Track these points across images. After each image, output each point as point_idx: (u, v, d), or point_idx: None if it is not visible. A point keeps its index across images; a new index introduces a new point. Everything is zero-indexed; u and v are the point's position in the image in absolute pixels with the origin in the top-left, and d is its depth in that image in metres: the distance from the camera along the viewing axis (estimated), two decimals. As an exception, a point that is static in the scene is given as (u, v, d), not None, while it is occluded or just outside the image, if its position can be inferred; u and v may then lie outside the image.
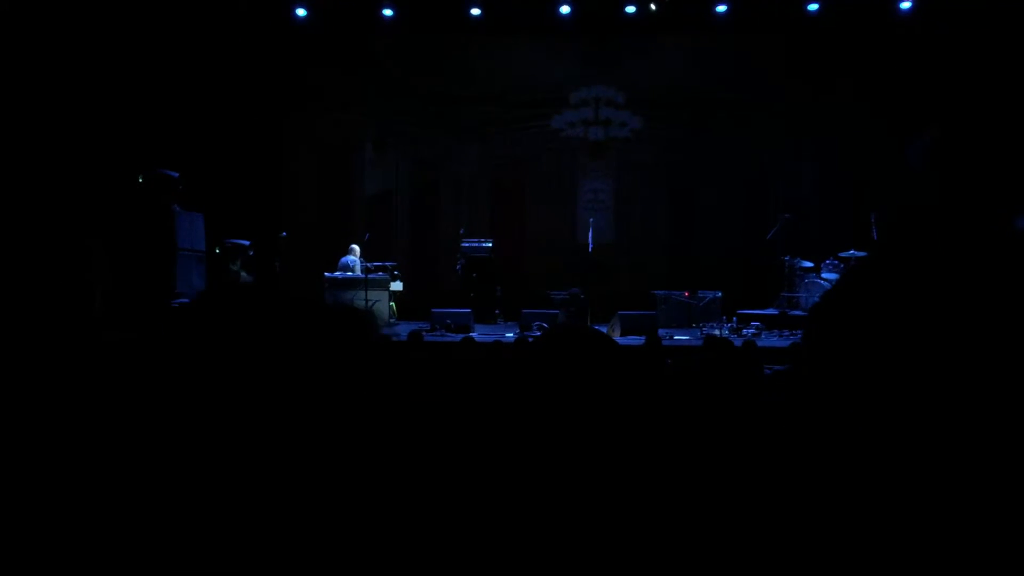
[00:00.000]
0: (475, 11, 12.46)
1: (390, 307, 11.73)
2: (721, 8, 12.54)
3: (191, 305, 0.95)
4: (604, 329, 9.85)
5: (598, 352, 1.32)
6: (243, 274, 11.45)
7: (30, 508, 1.02)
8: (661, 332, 9.65)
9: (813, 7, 12.46)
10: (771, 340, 9.65)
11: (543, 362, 1.33)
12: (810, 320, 0.91)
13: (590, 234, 12.01)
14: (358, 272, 11.67)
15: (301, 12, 12.50)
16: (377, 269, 11.73)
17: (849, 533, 0.81)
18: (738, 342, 7.11)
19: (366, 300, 11.15)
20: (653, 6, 12.37)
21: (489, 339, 8.13)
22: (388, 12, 12.57)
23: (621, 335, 9.90)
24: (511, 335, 10.21)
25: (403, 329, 10.55)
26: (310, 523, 0.83)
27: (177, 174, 10.15)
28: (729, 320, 10.85)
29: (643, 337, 8.19)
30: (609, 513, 1.23)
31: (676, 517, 1.24)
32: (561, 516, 1.22)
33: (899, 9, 12.22)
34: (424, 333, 9.37)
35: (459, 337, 8.52)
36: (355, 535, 0.86)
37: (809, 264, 11.66)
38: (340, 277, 11.58)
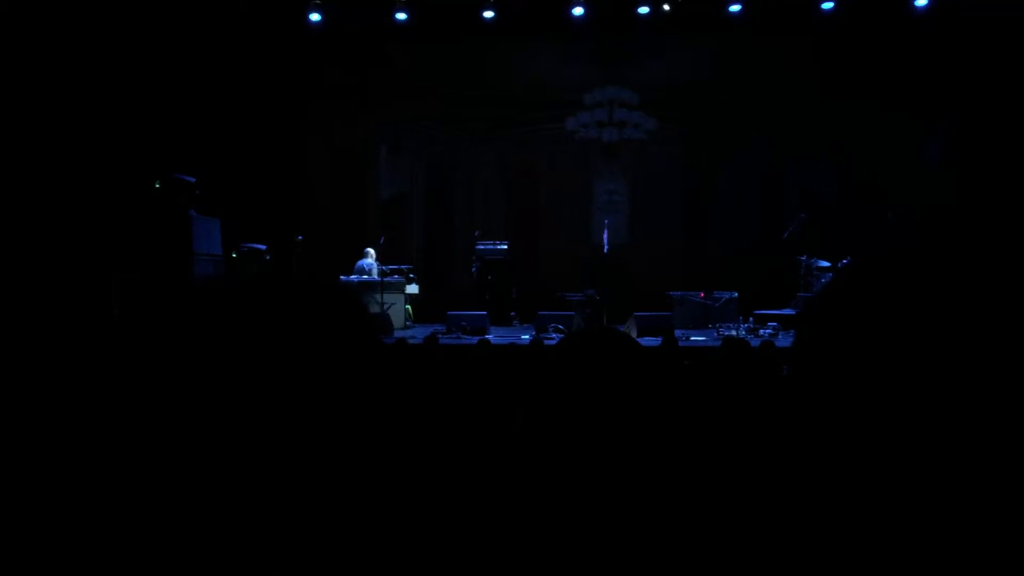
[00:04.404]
0: (488, 13, 12.46)
1: (406, 310, 11.75)
2: (735, 7, 12.49)
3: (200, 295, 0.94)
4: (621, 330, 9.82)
5: (625, 355, 1.32)
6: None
7: (33, 499, 1.03)
8: (677, 333, 9.62)
9: (828, 5, 12.38)
10: (789, 340, 9.58)
11: (572, 364, 1.33)
12: (802, 322, 0.90)
13: (605, 235, 12.00)
14: (374, 275, 11.71)
15: (316, 17, 12.55)
16: (393, 272, 11.76)
17: (852, 536, 0.80)
18: (755, 343, 7.08)
19: (382, 303, 11.18)
20: (667, 6, 12.33)
21: (505, 341, 8.13)
22: (402, 16, 12.59)
23: (637, 336, 9.88)
24: (527, 337, 10.21)
25: (419, 332, 10.58)
26: (315, 519, 0.84)
27: (194, 179, 10.21)
28: (746, 320, 10.81)
29: (659, 338, 8.18)
30: (629, 511, 1.22)
31: (697, 517, 1.24)
32: (578, 512, 1.22)
33: (915, 6, 12.13)
34: (440, 336, 9.38)
35: (475, 340, 8.53)
36: (370, 531, 0.87)
37: (826, 264, 11.60)
38: (356, 280, 11.61)
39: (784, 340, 9.63)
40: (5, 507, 1.12)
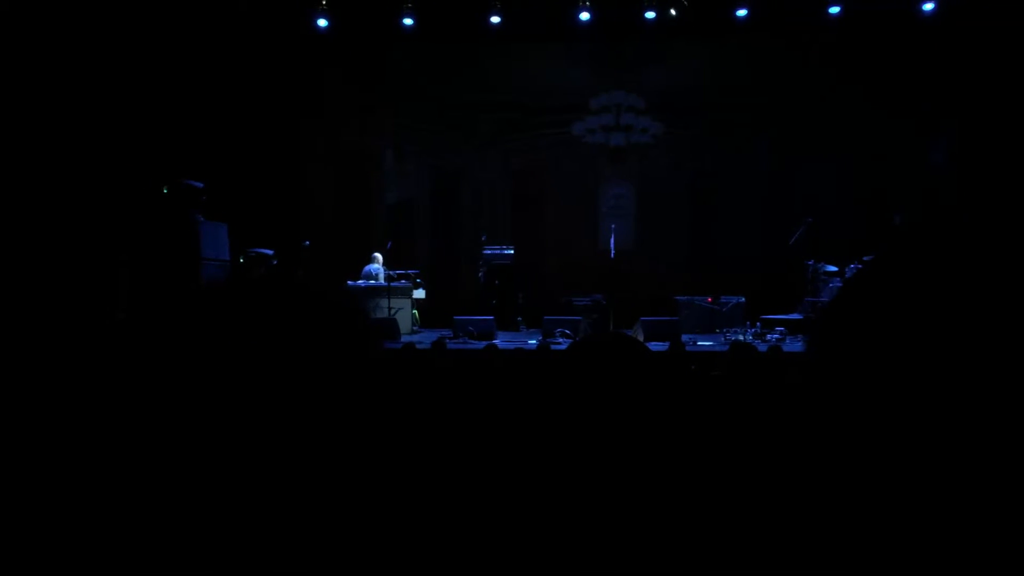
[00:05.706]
0: (494, 19, 12.48)
1: (413, 315, 11.76)
2: (741, 12, 12.48)
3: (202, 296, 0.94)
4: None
5: (633, 360, 1.32)
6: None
7: (34, 501, 1.04)
8: (684, 338, 9.60)
9: (834, 10, 12.37)
10: (796, 345, 9.57)
11: (581, 369, 1.33)
12: (817, 326, 0.89)
13: (612, 240, 11.98)
14: (381, 280, 11.71)
15: (322, 23, 12.58)
16: (400, 277, 11.76)
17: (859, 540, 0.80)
18: (763, 347, 7.07)
19: (389, 308, 11.18)
20: (673, 11, 12.32)
21: (512, 346, 8.13)
22: (408, 21, 12.62)
23: (644, 341, 9.85)
24: (534, 342, 10.20)
25: (426, 337, 10.58)
26: (312, 521, 0.83)
27: (201, 184, 10.24)
28: (753, 325, 10.78)
29: (667, 343, 8.17)
30: (637, 515, 1.22)
31: (705, 522, 1.24)
32: (586, 517, 1.22)
33: (921, 10, 12.11)
34: (447, 341, 9.38)
35: (482, 344, 8.53)
36: (364, 534, 0.86)
37: (833, 268, 11.55)
38: (363, 285, 11.62)
39: (791, 345, 9.61)
40: (7, 507, 1.12)
